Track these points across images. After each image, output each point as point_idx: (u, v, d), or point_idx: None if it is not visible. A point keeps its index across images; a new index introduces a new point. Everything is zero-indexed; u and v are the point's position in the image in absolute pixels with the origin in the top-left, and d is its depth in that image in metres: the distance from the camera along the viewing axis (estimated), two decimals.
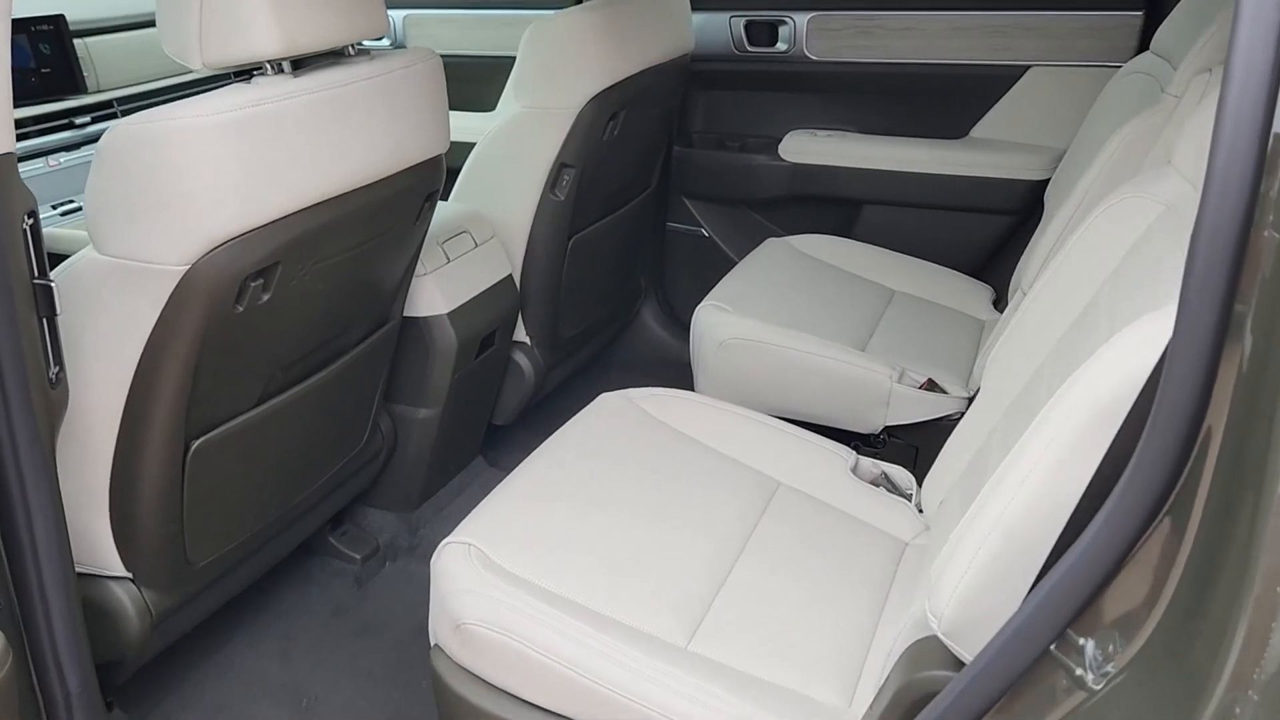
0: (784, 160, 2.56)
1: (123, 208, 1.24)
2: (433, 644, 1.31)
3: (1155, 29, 2.19)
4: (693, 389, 2.05)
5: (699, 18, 2.54)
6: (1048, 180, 2.36)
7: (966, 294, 2.31)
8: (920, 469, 1.98)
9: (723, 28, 2.55)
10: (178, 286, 1.26)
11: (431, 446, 2.01)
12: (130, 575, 1.46)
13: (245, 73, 1.31)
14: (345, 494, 1.90)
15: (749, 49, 2.55)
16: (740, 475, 1.55)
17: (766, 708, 1.12)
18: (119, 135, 1.21)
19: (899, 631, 1.13)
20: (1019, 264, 2.22)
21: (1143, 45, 2.22)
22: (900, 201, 2.50)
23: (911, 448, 1.95)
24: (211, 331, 1.30)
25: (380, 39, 2.31)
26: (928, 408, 1.88)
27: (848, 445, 2.02)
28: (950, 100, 2.45)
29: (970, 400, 1.89)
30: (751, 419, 1.68)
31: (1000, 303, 2.31)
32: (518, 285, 2.14)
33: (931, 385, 1.90)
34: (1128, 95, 2.00)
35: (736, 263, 2.73)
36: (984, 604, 0.92)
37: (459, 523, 1.36)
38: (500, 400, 2.24)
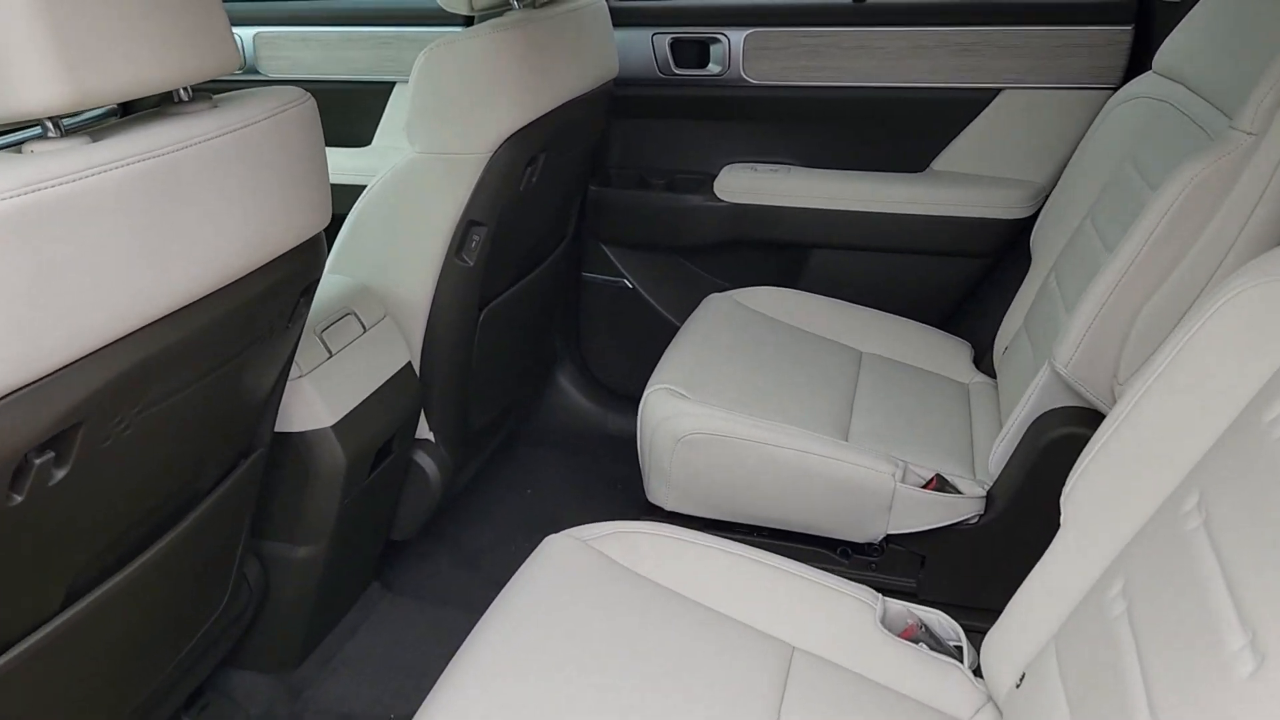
0: (719, 200, 2.20)
1: None
2: None
3: (1149, 46, 1.92)
4: (625, 466, 1.66)
5: (616, 35, 2.16)
6: (1027, 219, 2.06)
7: (942, 352, 1.99)
8: (929, 582, 1.65)
9: (644, 47, 2.17)
10: None
11: (314, 590, 1.56)
12: None
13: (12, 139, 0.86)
14: (201, 671, 1.43)
15: (676, 72, 2.18)
16: (744, 642, 1.19)
17: None
18: None
19: None
20: (1006, 318, 1.92)
21: (1134, 64, 1.95)
22: (854, 245, 2.17)
23: (916, 556, 1.61)
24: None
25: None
26: (940, 513, 1.54)
27: (834, 553, 1.68)
28: (910, 129, 2.13)
29: (987, 499, 1.56)
30: (743, 556, 1.30)
31: (982, 360, 2.00)
32: (418, 373, 1.71)
33: (940, 483, 1.57)
34: (1136, 124, 1.71)
35: (664, 318, 2.37)
36: None
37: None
38: (399, 513, 1.80)
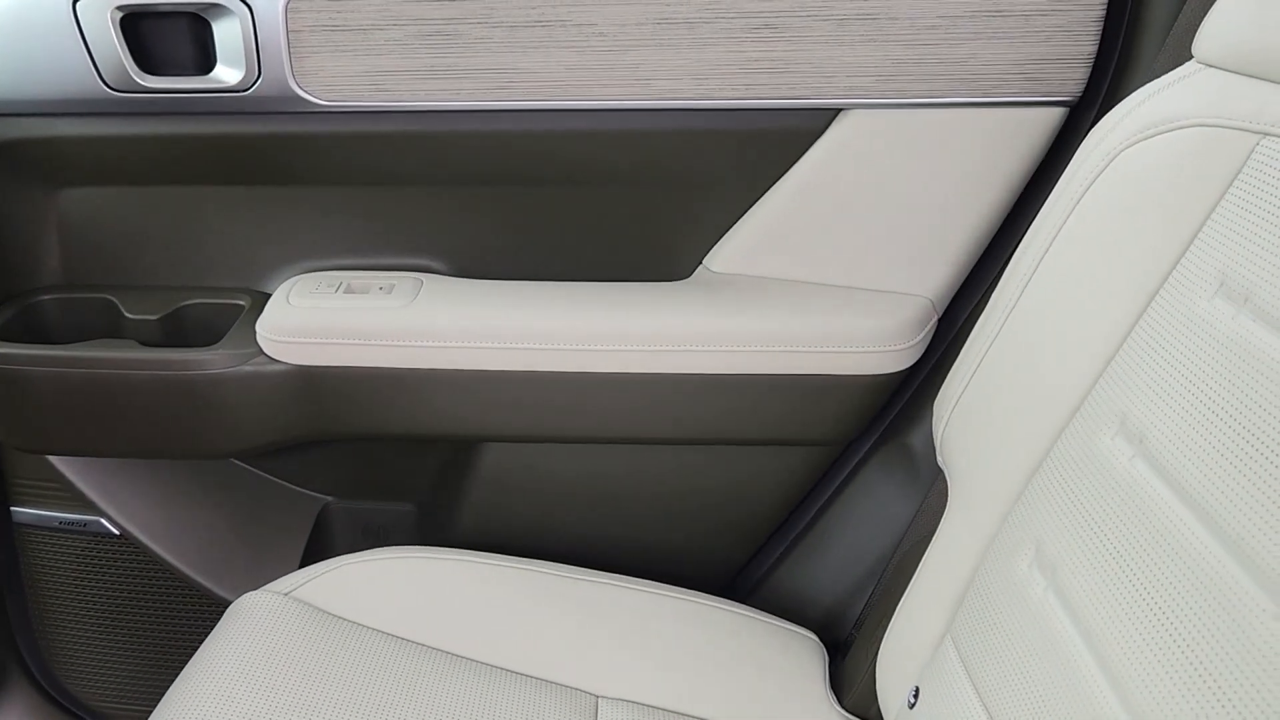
0: (271, 359, 1.02)
1: None
2: None
3: (1144, 12, 0.92)
4: None
5: None
6: (907, 373, 1.02)
7: (764, 668, 0.91)
8: None
9: (65, 31, 0.96)
10: None
11: None
12: None
13: None
14: None
15: (143, 83, 0.97)
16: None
17: None
18: None
19: None
20: (898, 614, 0.86)
21: (1114, 50, 0.94)
22: (560, 435, 1.05)
23: None
24: None
25: None
26: None
27: None
28: (661, 192, 1.04)
29: None
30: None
31: (844, 679, 0.93)
32: None
33: None
34: (1198, 183, 0.69)
35: (192, 580, 1.16)
36: None
37: None
38: None
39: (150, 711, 1.21)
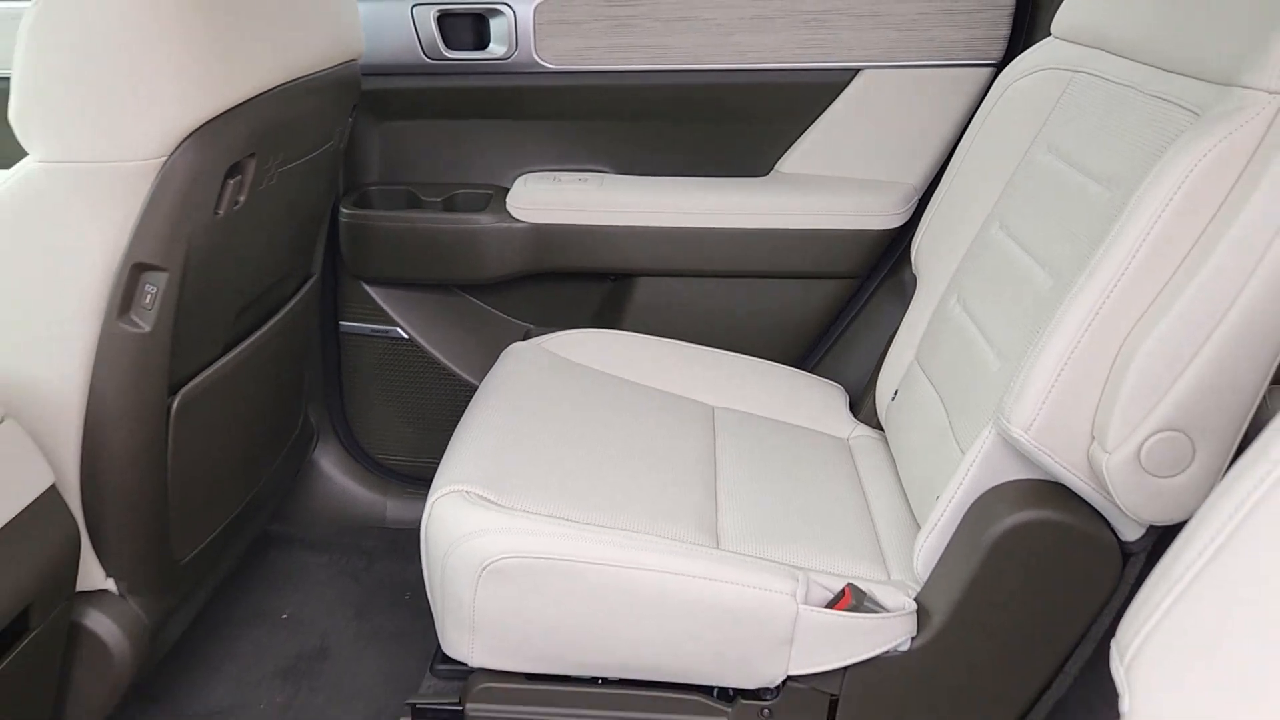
0: (515, 219, 1.70)
1: None
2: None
3: (1036, 8, 1.57)
4: (414, 566, 1.50)
5: (366, 9, 1.63)
6: (899, 229, 1.67)
7: (810, 400, 1.56)
8: None
9: (402, 24, 1.65)
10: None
11: None
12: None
13: None
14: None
15: (447, 56, 1.67)
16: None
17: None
18: None
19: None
20: (889, 353, 1.51)
21: (1019, 34, 1.59)
22: (688, 270, 1.72)
23: (825, 697, 1.16)
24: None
25: None
26: (861, 642, 1.10)
27: (710, 696, 1.20)
28: (750, 122, 1.70)
29: (918, 614, 1.12)
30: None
31: (860, 407, 1.59)
32: (74, 497, 1.12)
33: (855, 596, 1.12)
34: (1040, 102, 1.34)
35: (452, 374, 1.85)
36: None
37: None
38: (67, 712, 1.19)
39: (417, 461, 1.88)
